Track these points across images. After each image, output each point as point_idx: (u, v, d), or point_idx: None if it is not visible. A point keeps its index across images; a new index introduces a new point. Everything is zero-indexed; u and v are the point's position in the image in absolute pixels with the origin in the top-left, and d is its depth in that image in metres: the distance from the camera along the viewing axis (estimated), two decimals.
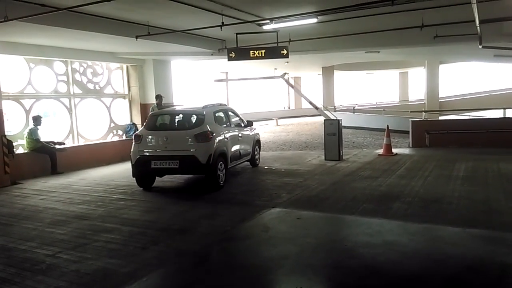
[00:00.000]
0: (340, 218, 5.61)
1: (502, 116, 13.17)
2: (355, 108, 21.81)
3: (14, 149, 9.48)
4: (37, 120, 9.94)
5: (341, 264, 3.97)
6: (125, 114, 13.40)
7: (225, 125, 8.53)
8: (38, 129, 9.92)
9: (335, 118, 10.42)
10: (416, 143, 12.32)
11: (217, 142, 7.49)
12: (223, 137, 7.88)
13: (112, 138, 12.92)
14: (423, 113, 16.12)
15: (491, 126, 11.96)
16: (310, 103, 10.27)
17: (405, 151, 11.73)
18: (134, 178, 7.79)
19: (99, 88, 12.46)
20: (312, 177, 8.25)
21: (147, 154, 7.46)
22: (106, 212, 6.25)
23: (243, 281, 3.72)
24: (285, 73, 9.91)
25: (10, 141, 9.28)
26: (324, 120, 11.17)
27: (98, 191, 7.79)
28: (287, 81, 10.15)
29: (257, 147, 10.04)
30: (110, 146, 12.47)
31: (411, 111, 17.88)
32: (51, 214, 6.28)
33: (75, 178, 9.38)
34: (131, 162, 7.65)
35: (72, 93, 11.50)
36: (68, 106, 11.43)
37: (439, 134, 12.12)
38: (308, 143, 14.81)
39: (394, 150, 11.11)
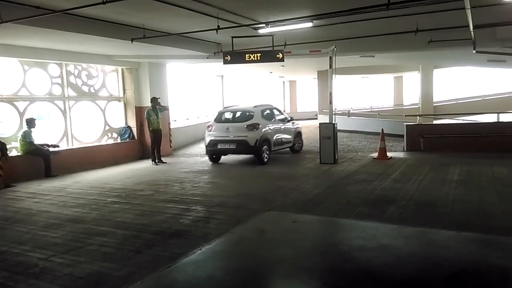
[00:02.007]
0: (335, 222, 5.61)
1: (495, 120, 13.28)
2: (350, 111, 21.88)
3: (8, 152, 9.42)
4: (31, 122, 9.88)
5: (336, 267, 3.97)
6: (120, 117, 13.35)
7: (270, 120, 11.47)
8: (32, 131, 9.86)
9: (332, 121, 10.49)
10: (411, 147, 12.37)
11: (262, 131, 10.57)
12: (267, 128, 10.92)
13: (106, 141, 12.87)
14: (418, 117, 16.22)
15: (485, 130, 12.04)
16: (330, 94, 10.37)
17: (400, 155, 11.77)
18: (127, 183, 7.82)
19: (94, 91, 12.42)
20: (308, 181, 8.26)
21: (215, 138, 10.76)
22: (100, 215, 6.21)
23: (238, 284, 3.70)
24: (335, 47, 10.00)
25: (4, 143, 9.24)
26: (319, 123, 11.20)
27: (92, 194, 7.75)
28: (331, 59, 10.20)
29: (298, 138, 12.83)
30: (105, 149, 12.42)
31: (405, 115, 18.01)
32: (45, 217, 6.24)
33: (69, 181, 9.33)
34: (205, 144, 11.21)
35: (66, 95, 11.45)
36: (63, 109, 11.37)
37: (434, 138, 12.18)
38: (303, 147, 14.81)
39: (389, 154, 11.15)
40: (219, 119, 11.43)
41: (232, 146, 10.62)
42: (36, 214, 6.47)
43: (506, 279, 3.64)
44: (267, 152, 10.81)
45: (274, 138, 11.20)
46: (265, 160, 10.69)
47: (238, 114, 11.49)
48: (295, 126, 12.63)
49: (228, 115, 11.61)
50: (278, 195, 7.04)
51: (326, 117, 12.20)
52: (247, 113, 11.14)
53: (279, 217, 5.81)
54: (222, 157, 11.78)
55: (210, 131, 10.99)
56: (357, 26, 9.20)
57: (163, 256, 4.39)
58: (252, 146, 10.33)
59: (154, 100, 11.96)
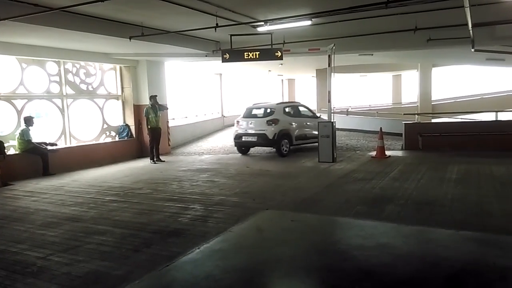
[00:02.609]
0: (334, 220, 5.60)
1: (494, 119, 13.28)
2: (349, 110, 21.88)
3: (6, 150, 9.39)
4: (29, 120, 9.86)
5: (334, 266, 3.97)
6: (118, 115, 13.33)
7: (293, 116, 12.42)
8: (30, 130, 9.84)
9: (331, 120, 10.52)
10: (409, 146, 12.38)
11: (281, 126, 11.59)
12: (288, 123, 11.89)
13: (105, 139, 12.85)
14: (416, 116, 16.24)
15: (483, 129, 12.05)
16: (329, 92, 10.43)
17: (398, 153, 11.78)
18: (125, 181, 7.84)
19: (92, 89, 12.39)
20: (306, 179, 8.26)
21: (240, 132, 12.24)
22: (98, 214, 6.20)
23: (236, 283, 3.70)
24: (334, 45, 10.03)
25: (2, 142, 9.22)
26: (318, 122, 11.20)
27: (90, 193, 7.74)
28: (330, 57, 10.23)
29: None
30: (103, 147, 12.41)
31: (404, 114, 18.00)
32: (43, 216, 6.22)
33: (67, 180, 9.31)
34: (233, 137, 12.71)
35: (64, 93, 11.41)
36: (61, 107, 11.34)
37: (432, 136, 12.18)
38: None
39: (387, 153, 11.15)
40: (245, 114, 12.67)
41: (254, 139, 11.98)
42: (34, 212, 6.45)
43: (505, 278, 3.64)
44: (287, 145, 11.83)
45: (296, 133, 12.11)
46: (285, 152, 11.70)
47: (261, 110, 12.60)
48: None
49: (253, 111, 12.77)
50: (276, 194, 7.03)
51: (324, 116, 12.25)
52: (269, 110, 12.25)
53: (277, 216, 5.80)
54: (238, 151, 12.99)
55: (237, 125, 12.44)
56: (356, 24, 9.19)
57: (161, 255, 4.38)
58: (270, 139, 11.51)
59: (153, 98, 11.93)
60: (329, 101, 10.63)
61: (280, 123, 11.65)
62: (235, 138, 12.55)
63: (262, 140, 11.72)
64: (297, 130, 12.18)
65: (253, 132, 11.98)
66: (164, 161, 11.89)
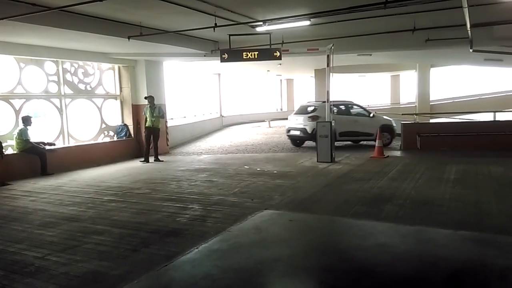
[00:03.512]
0: (332, 220, 5.61)
1: (492, 119, 13.31)
2: None
3: (4, 150, 9.37)
4: (27, 120, 9.84)
5: (333, 266, 3.97)
6: (116, 115, 13.31)
7: (338, 113, 13.09)
8: (28, 129, 9.83)
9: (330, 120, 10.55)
10: (408, 146, 12.40)
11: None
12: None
13: (103, 139, 12.83)
14: (414, 116, 16.24)
15: (481, 129, 12.08)
16: (328, 92, 10.50)
17: (397, 153, 11.80)
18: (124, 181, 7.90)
19: (90, 89, 12.37)
20: (305, 179, 8.26)
21: (289, 127, 13.87)
22: (96, 214, 6.19)
23: (234, 283, 3.69)
24: (332, 45, 10.08)
25: (0, 141, 9.18)
26: (317, 122, 11.21)
27: (89, 193, 7.72)
28: (328, 57, 10.28)
29: (385, 132, 13.22)
30: (101, 147, 12.39)
31: (402, 114, 18.01)
32: (41, 215, 6.20)
33: (65, 179, 9.30)
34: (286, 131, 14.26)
35: (63, 93, 11.39)
36: (59, 107, 11.32)
37: (430, 136, 12.20)
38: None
39: (386, 153, 11.16)
40: (296, 111, 14.30)
41: (297, 133, 13.47)
42: (32, 212, 6.44)
43: (503, 278, 3.65)
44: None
45: (341, 129, 12.77)
46: None
47: (308, 108, 13.84)
48: (377, 120, 13.57)
49: (301, 109, 14.22)
50: (275, 194, 7.03)
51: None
52: (313, 107, 13.57)
53: (276, 215, 5.80)
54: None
55: (289, 120, 14.10)
56: (354, 24, 9.20)
57: (159, 255, 4.38)
58: (309, 133, 12.80)
59: (148, 98, 11.89)
60: (328, 100, 10.65)
61: (321, 120, 12.37)
62: (286, 132, 14.32)
63: (303, 133, 13.22)
64: (343, 127, 12.79)
65: (297, 126, 13.43)
66: (162, 161, 11.88)
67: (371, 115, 13.73)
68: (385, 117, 14.54)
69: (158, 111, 11.84)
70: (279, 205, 6.28)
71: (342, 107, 13.87)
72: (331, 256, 4.26)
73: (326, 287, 3.66)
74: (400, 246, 4.44)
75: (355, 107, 14.24)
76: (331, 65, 10.32)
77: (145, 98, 12.02)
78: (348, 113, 13.81)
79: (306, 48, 10.89)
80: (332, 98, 11.02)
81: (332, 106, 12.69)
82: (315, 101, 14.98)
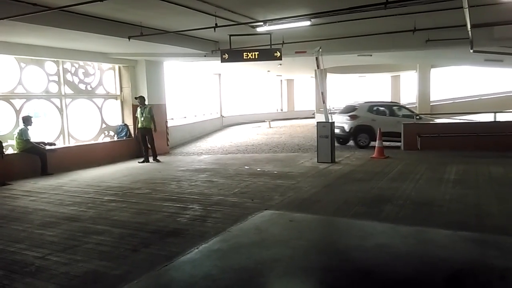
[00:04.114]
0: (333, 221, 5.61)
1: (492, 120, 13.30)
2: None
3: (4, 150, 9.37)
4: (27, 120, 9.84)
5: (333, 267, 3.97)
6: (116, 115, 13.31)
7: (381, 114, 13.72)
8: (28, 129, 9.83)
9: (330, 120, 10.57)
10: (408, 146, 12.40)
11: (359, 122, 13.37)
12: (371, 119, 13.27)
13: (103, 139, 12.83)
14: (415, 116, 16.18)
15: (481, 129, 12.06)
16: (322, 94, 10.57)
17: (397, 154, 11.79)
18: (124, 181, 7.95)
19: (90, 89, 12.37)
20: (305, 180, 8.26)
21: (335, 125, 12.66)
22: (96, 214, 6.19)
23: (235, 283, 3.70)
24: (320, 48, 10.15)
25: (0, 141, 9.19)
26: (317, 122, 11.21)
27: (89, 193, 7.72)
28: (317, 59, 10.35)
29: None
30: (101, 147, 12.39)
31: (402, 115, 17.96)
32: (41, 215, 6.21)
33: (66, 179, 9.30)
34: None
35: (63, 93, 11.40)
36: (59, 107, 11.32)
37: (431, 137, 12.20)
38: (300, 146, 14.84)
39: (386, 153, 11.15)
40: (340, 111, 14.71)
41: (338, 131, 13.37)
42: (32, 212, 6.44)
43: (504, 278, 3.65)
44: (366, 139, 13.35)
45: (382, 129, 12.32)
46: (362, 144, 13.38)
47: (350, 107, 14.34)
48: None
49: (345, 108, 14.64)
50: (275, 194, 7.03)
51: (323, 116, 12.36)
52: (354, 107, 14.11)
53: (276, 216, 5.80)
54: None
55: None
56: (355, 24, 9.21)
57: (160, 255, 4.38)
58: (347, 131, 13.51)
59: (138, 98, 11.88)
60: (324, 102, 10.72)
61: (359, 119, 13.36)
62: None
63: (342, 132, 13.64)
64: (384, 127, 12.58)
65: (338, 125, 13.49)
66: (159, 161, 11.85)
67: (418, 117, 13.76)
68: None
69: (148, 112, 11.71)
70: (279, 206, 6.28)
71: (386, 108, 14.18)
72: (331, 256, 4.26)
73: (326, 287, 3.66)
74: (400, 246, 4.45)
75: (400, 108, 14.48)
76: (322, 67, 10.49)
77: (136, 98, 12.01)
78: (391, 114, 13.99)
79: (306, 48, 10.90)
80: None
81: (375, 107, 13.88)
82: (358, 102, 15.38)
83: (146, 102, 12.12)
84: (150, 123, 11.78)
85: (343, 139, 14.52)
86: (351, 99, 18.63)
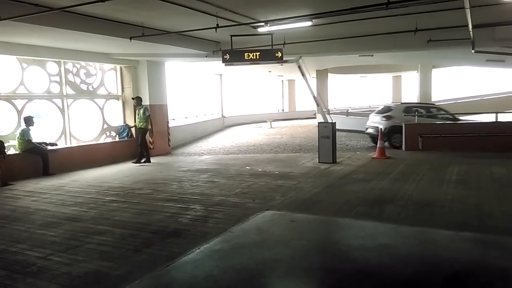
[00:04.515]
0: (334, 221, 5.61)
1: (494, 120, 13.27)
2: (349, 111, 21.88)
3: (6, 150, 9.39)
4: (29, 120, 9.86)
5: (334, 267, 3.97)
6: (118, 115, 13.33)
7: (419, 116, 13.39)
8: (30, 129, 9.85)
9: (330, 121, 10.58)
10: (409, 147, 12.38)
11: (393, 122, 13.31)
12: (406, 120, 12.97)
13: (105, 139, 12.84)
14: (416, 117, 16.17)
15: (483, 130, 12.04)
16: (314, 98, 10.66)
17: (398, 154, 11.77)
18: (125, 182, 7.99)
19: (92, 89, 12.39)
20: (306, 180, 8.26)
21: (368, 125, 14.53)
22: (98, 214, 6.20)
23: (236, 283, 3.70)
24: (300, 56, 10.29)
25: (2, 141, 9.22)
26: (318, 122, 11.22)
27: (91, 193, 7.74)
28: (300, 67, 10.50)
29: None
30: (103, 147, 12.41)
31: (404, 115, 17.95)
32: (43, 215, 6.22)
33: (67, 180, 9.31)
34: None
35: (65, 93, 11.42)
36: (61, 107, 11.35)
37: (432, 137, 12.19)
38: (302, 146, 14.83)
39: (388, 153, 11.15)
40: (376, 111, 14.95)
41: (372, 131, 14.06)
42: (34, 212, 6.45)
43: (505, 279, 3.65)
44: (401, 140, 12.97)
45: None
46: (396, 145, 13.17)
47: (387, 107, 14.64)
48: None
49: (382, 109, 14.84)
50: (276, 194, 7.03)
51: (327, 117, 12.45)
52: (389, 108, 14.38)
53: (277, 216, 5.80)
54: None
55: (369, 119, 14.85)
56: (356, 25, 9.20)
57: (161, 255, 4.39)
58: (383, 132, 12.73)
59: (135, 99, 11.87)
60: (318, 104, 11.16)
61: (394, 120, 13.32)
62: (365, 130, 14.96)
63: (376, 132, 13.44)
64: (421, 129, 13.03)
65: (373, 125, 14.09)
66: (145, 163, 11.53)
67: (453, 118, 13.86)
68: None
69: (143, 112, 11.65)
70: (281, 206, 6.29)
71: (422, 109, 14.14)
72: (332, 256, 4.26)
73: (327, 287, 3.66)
74: (401, 247, 4.44)
75: (437, 110, 14.58)
76: (306, 75, 10.89)
77: (132, 99, 11.98)
78: (430, 116, 13.96)
79: (307, 49, 10.92)
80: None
81: (411, 107, 14.00)
82: (394, 103, 15.60)
83: (143, 103, 12.09)
84: (144, 123, 11.68)
85: (371, 137, 14.67)
86: (387, 100, 19.32)
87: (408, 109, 13.76)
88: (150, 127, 11.85)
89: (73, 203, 6.95)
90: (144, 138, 11.80)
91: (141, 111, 11.72)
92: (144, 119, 11.69)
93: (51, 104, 11.24)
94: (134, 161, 11.69)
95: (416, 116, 13.15)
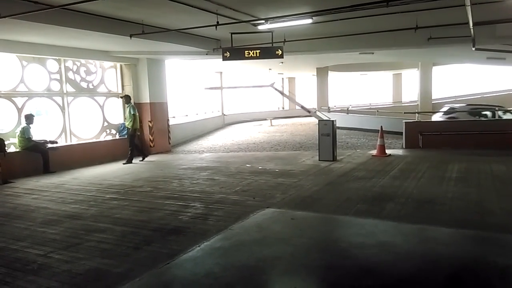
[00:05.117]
0: (334, 219, 5.61)
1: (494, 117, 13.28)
2: (349, 109, 21.87)
3: (6, 148, 9.40)
4: (29, 118, 9.87)
5: (335, 264, 3.97)
6: (118, 113, 13.32)
7: (481, 117, 13.72)
8: (30, 127, 9.85)
9: (328, 119, 10.57)
10: (410, 144, 12.38)
11: None
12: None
13: (105, 137, 12.85)
14: (416, 114, 16.22)
15: (483, 127, 12.05)
16: (302, 107, 10.70)
17: (399, 152, 11.78)
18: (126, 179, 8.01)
19: (92, 87, 12.39)
20: (306, 178, 8.26)
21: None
22: (98, 212, 6.21)
23: (236, 281, 3.70)
24: (274, 82, 10.38)
25: (2, 139, 9.23)
26: (319, 120, 11.21)
27: (91, 191, 7.74)
28: (277, 89, 10.56)
29: None
30: (103, 145, 12.42)
31: (404, 112, 17.98)
32: (43, 213, 6.23)
33: (68, 177, 9.32)
34: None
35: (65, 91, 11.42)
36: (61, 105, 11.35)
37: (432, 135, 12.19)
38: (302, 144, 14.83)
39: (388, 151, 11.15)
40: (442, 114, 15.29)
41: None
42: (35, 210, 6.46)
43: (505, 277, 3.65)
44: None
45: None
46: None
47: (450, 109, 15.02)
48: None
49: (446, 110, 15.19)
50: (276, 192, 7.04)
51: (320, 116, 12.39)
52: (454, 109, 14.75)
53: (277, 214, 5.81)
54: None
55: (432, 118, 15.58)
56: (357, 22, 9.18)
57: (162, 253, 4.39)
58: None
59: (124, 97, 11.79)
60: (309, 112, 11.03)
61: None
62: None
63: None
64: None
65: None
66: (132, 163, 11.27)
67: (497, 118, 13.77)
68: None
69: (129, 111, 11.44)
70: (281, 204, 6.29)
71: (488, 111, 14.16)
72: (333, 254, 4.26)
73: (327, 285, 3.66)
74: (402, 244, 4.45)
75: (504, 112, 14.35)
76: (285, 93, 10.84)
77: (121, 97, 11.89)
78: (493, 117, 13.78)
79: (308, 46, 10.90)
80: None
81: (478, 110, 14.36)
82: (460, 104, 16.22)
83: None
84: (131, 122, 11.39)
85: None
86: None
87: (473, 110, 14.04)
88: (138, 126, 11.60)
89: (74, 201, 6.96)
90: (131, 138, 11.47)
91: (128, 110, 11.51)
92: (130, 118, 11.40)
93: (51, 102, 11.24)
94: (124, 162, 11.32)
95: (472, 117, 13.45)
